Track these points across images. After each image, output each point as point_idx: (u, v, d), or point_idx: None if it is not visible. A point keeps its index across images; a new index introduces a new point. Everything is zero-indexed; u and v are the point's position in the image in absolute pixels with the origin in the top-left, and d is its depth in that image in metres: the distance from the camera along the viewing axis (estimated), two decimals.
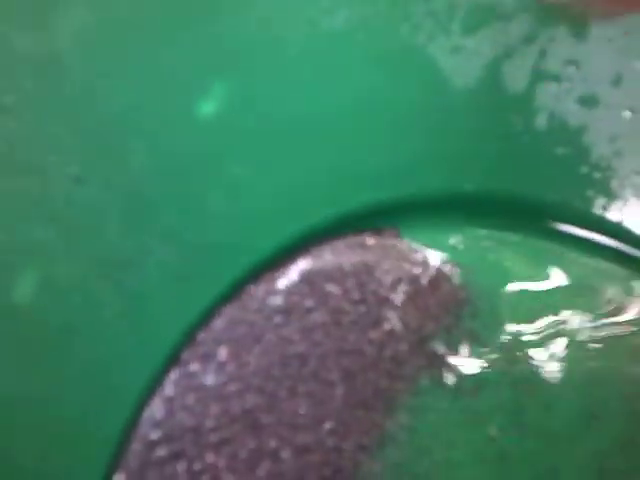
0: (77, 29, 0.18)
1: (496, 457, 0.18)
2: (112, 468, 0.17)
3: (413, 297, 0.19)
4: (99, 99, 0.18)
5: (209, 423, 0.18)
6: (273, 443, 0.18)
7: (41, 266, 0.18)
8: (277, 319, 0.18)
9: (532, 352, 0.19)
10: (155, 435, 0.18)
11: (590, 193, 0.19)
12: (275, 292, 0.19)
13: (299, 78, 0.19)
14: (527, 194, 0.20)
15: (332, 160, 0.19)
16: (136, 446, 0.18)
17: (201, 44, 0.19)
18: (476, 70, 0.20)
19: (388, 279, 0.19)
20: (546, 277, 0.19)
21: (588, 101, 0.20)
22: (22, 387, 0.17)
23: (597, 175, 0.19)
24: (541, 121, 0.20)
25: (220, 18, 0.19)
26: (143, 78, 0.19)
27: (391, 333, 0.18)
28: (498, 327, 0.19)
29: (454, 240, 0.20)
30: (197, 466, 0.18)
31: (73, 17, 0.18)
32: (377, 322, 0.19)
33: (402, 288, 0.19)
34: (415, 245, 0.19)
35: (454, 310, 0.19)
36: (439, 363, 0.18)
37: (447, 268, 0.19)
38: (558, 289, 0.19)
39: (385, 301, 0.19)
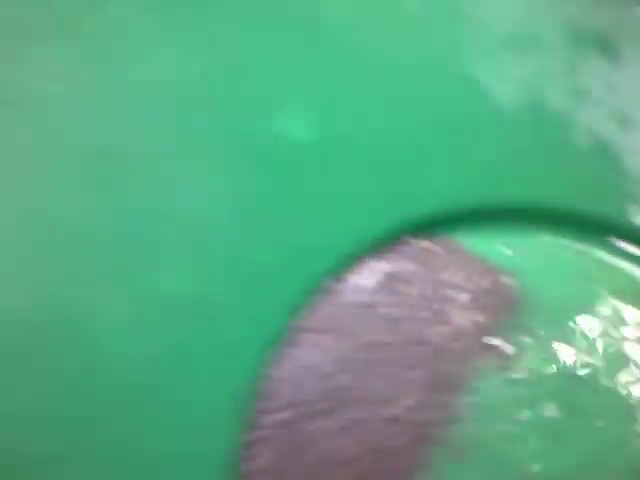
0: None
1: (551, 434, 0.20)
2: (235, 440, 0.19)
3: (476, 297, 0.20)
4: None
5: (311, 397, 0.19)
6: (363, 414, 0.19)
7: (176, 266, 0.19)
8: (363, 312, 0.20)
9: (584, 348, 0.20)
10: (268, 405, 0.19)
11: (633, 208, 0.21)
12: (360, 290, 0.20)
13: (369, 95, 0.20)
14: (582, 207, 0.21)
15: (404, 172, 0.20)
16: (254, 415, 0.19)
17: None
18: (516, 90, 0.21)
19: (454, 281, 0.20)
20: (599, 283, 0.21)
21: (625, 121, 0.21)
22: (148, 374, 0.19)
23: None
24: (581, 139, 0.21)
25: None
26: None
27: (458, 328, 0.20)
28: (551, 325, 0.20)
29: (512, 247, 0.21)
30: (303, 432, 0.19)
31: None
32: (446, 318, 0.20)
33: (466, 288, 0.20)
34: (477, 251, 0.21)
35: (513, 310, 0.20)
36: (501, 355, 0.20)
37: (506, 272, 0.21)
38: (610, 295, 0.21)
39: (452, 300, 0.20)
